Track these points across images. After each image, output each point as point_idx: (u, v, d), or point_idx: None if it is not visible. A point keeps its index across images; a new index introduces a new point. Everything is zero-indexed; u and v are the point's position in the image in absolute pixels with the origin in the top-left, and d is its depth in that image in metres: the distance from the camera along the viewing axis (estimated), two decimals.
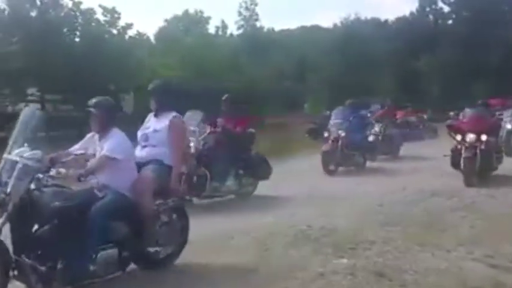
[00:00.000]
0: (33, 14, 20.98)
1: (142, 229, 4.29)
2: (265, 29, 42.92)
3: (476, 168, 8.41)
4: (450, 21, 35.10)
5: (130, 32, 23.43)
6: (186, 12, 42.45)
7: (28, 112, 4.19)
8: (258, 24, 42.02)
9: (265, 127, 19.24)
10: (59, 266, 3.72)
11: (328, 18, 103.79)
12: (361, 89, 24.34)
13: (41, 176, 3.76)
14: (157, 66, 22.24)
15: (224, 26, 42.21)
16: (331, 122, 11.15)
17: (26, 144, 3.89)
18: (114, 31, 22.46)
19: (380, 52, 30.39)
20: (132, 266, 4.42)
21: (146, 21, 65.24)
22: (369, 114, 13.46)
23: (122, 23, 22.53)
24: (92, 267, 3.90)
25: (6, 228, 3.72)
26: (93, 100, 4.33)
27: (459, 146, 8.73)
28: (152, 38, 34.37)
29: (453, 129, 9.01)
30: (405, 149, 13.55)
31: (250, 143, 8.46)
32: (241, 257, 4.86)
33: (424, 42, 30.64)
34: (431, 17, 35.62)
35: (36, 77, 19.63)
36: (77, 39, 22.10)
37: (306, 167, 10.96)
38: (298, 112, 28.85)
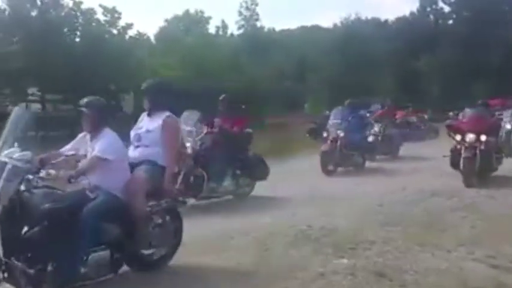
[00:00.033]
0: (34, 13, 21.06)
1: (135, 231, 4.22)
2: (265, 29, 43.02)
3: (476, 169, 8.35)
4: (450, 21, 35.11)
5: (131, 32, 23.58)
6: (187, 12, 42.44)
7: (18, 112, 4.13)
8: (258, 24, 42.14)
9: (265, 127, 19.24)
10: (49, 268, 3.67)
11: (328, 18, 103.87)
12: (361, 89, 24.36)
13: (30, 177, 3.70)
14: (158, 66, 22.26)
15: (224, 26, 42.30)
16: (330, 122, 11.12)
17: (16, 145, 3.82)
18: (115, 31, 22.54)
19: (380, 52, 30.39)
20: (125, 267, 4.36)
21: (146, 21, 65.35)
22: (368, 114, 13.41)
23: (122, 23, 22.68)
24: (83, 270, 3.84)
25: None
26: (85, 100, 4.29)
27: (459, 146, 8.66)
28: (152, 38, 34.46)
29: (453, 129, 8.94)
30: (405, 149, 13.50)
31: (247, 143, 8.42)
32: (241, 257, 4.83)
33: (424, 42, 30.62)
34: (431, 17, 35.59)
35: (37, 77, 19.68)
36: (78, 39, 22.20)
37: (306, 167, 10.91)
38: (298, 112, 28.87)
